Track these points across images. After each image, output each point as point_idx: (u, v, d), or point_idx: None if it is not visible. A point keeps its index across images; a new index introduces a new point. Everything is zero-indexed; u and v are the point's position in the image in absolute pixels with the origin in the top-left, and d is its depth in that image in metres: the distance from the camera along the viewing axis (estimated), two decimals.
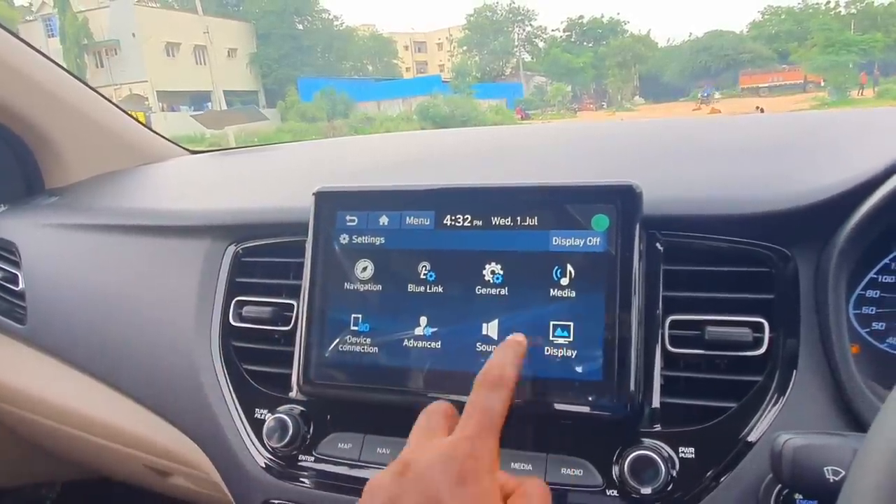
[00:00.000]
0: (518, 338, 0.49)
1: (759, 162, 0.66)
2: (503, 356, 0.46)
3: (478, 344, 0.54)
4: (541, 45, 48.22)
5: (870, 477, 0.26)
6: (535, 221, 0.54)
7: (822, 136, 0.76)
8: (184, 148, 1.30)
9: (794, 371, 0.52)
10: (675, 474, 0.51)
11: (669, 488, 0.51)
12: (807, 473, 0.38)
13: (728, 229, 0.56)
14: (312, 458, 0.61)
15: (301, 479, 0.61)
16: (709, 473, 0.51)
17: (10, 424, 0.94)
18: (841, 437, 0.40)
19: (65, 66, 1.13)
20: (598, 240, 0.52)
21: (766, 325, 0.53)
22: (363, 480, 0.58)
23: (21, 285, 0.94)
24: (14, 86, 1.01)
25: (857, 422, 0.49)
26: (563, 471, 0.53)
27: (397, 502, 0.37)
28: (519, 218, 0.54)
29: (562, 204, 0.54)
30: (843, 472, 0.37)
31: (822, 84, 29.01)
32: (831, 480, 0.37)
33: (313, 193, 0.61)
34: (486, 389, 0.42)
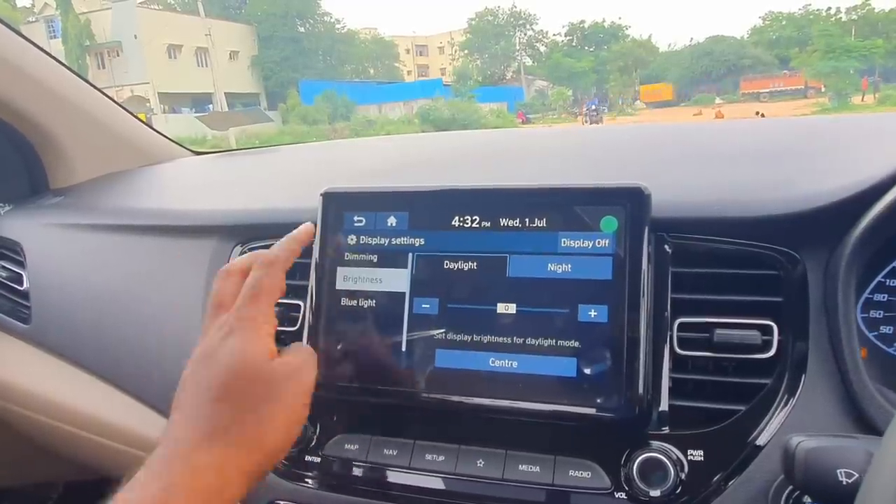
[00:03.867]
0: (306, 228, 0.57)
1: (767, 166, 0.66)
2: (281, 242, 0.55)
3: (486, 343, 0.53)
4: (542, 49, 48.38)
5: (889, 478, 0.26)
6: (543, 223, 0.54)
7: (830, 140, 0.76)
8: (188, 149, 1.30)
9: (804, 374, 0.52)
10: (683, 477, 0.51)
11: (678, 491, 0.51)
12: (820, 476, 0.38)
13: (737, 232, 0.56)
14: (319, 459, 0.60)
15: (307, 480, 0.61)
16: (718, 476, 0.51)
17: (14, 423, 0.94)
18: (854, 439, 0.40)
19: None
20: (607, 241, 0.52)
21: (775, 327, 0.53)
22: (370, 481, 0.59)
23: (25, 285, 0.94)
24: (19, 85, 1.01)
25: (867, 425, 0.49)
26: (571, 473, 0.53)
27: (192, 366, 0.48)
28: (528, 219, 0.54)
29: (571, 205, 0.54)
30: (857, 475, 0.37)
31: (823, 90, 29.07)
32: (844, 483, 0.37)
33: (321, 194, 0.61)
34: (257, 268, 0.52)
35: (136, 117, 1.22)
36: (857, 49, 30.46)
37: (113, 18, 30.73)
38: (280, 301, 0.67)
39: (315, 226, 0.58)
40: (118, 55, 31.50)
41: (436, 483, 0.57)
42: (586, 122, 25.09)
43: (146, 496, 0.41)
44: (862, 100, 25.86)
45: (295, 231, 0.56)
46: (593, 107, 28.87)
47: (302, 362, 0.51)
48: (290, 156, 1.27)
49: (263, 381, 0.47)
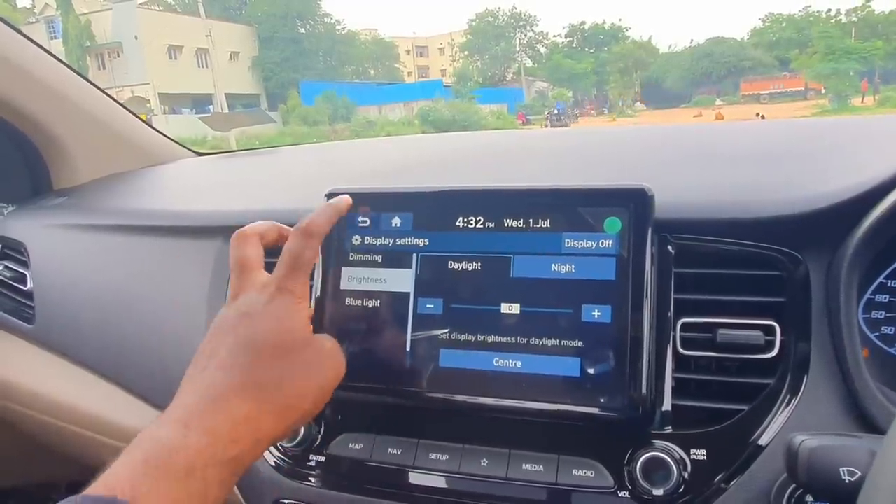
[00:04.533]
0: (345, 198, 0.56)
1: (769, 167, 0.66)
2: (321, 211, 0.53)
3: (490, 343, 0.54)
4: (542, 50, 48.42)
5: (892, 476, 0.26)
6: (547, 224, 0.54)
7: (832, 141, 0.76)
8: (189, 149, 1.31)
9: (806, 374, 0.52)
10: (686, 476, 0.51)
11: (681, 490, 0.51)
12: (822, 474, 0.38)
13: (740, 233, 0.56)
14: (323, 458, 0.61)
15: (311, 479, 0.61)
16: (720, 475, 0.51)
17: (17, 423, 0.94)
18: (856, 438, 0.40)
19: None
20: (611, 242, 0.52)
21: (778, 328, 0.54)
22: (374, 480, 0.59)
23: (29, 285, 0.94)
24: (22, 85, 1.01)
25: (869, 424, 0.49)
26: (575, 472, 0.53)
27: (229, 321, 0.48)
28: (532, 220, 0.55)
29: (574, 206, 0.54)
30: (859, 473, 0.37)
31: (823, 91, 29.08)
32: (847, 481, 0.37)
33: (325, 194, 0.61)
34: (296, 238, 0.51)
35: (137, 118, 1.23)
36: (857, 51, 30.47)
37: (113, 19, 30.76)
38: None
39: (352, 198, 0.57)
40: (119, 56, 31.52)
41: (440, 482, 0.57)
42: (546, 125, 24.24)
43: (190, 440, 0.41)
44: (862, 101, 25.86)
45: (334, 200, 0.56)
46: (556, 111, 27.73)
47: (336, 346, 0.51)
48: (291, 157, 1.28)
49: (302, 353, 0.48)
